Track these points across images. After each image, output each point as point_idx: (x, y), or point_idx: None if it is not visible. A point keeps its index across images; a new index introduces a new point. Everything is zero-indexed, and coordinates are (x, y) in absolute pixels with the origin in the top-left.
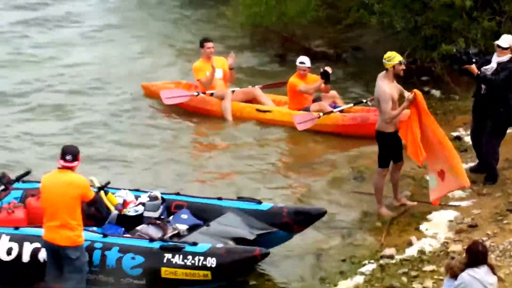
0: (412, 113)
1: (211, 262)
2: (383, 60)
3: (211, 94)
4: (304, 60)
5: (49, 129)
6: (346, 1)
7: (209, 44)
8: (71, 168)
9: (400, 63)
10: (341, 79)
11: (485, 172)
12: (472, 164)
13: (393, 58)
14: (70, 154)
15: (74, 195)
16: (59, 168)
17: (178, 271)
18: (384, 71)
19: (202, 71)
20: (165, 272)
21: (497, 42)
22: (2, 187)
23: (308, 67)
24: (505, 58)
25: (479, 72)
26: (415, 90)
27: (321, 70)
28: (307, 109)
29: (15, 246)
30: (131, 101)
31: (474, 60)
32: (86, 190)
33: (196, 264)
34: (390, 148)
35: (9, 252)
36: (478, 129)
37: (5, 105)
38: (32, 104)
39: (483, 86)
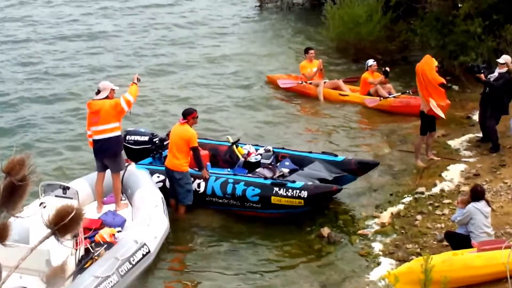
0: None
1: (304, 194)
2: None
3: (310, 83)
4: (374, 60)
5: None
6: (399, 26)
7: (311, 51)
8: (185, 123)
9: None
10: (394, 77)
11: (489, 142)
12: (477, 135)
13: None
14: (182, 115)
15: (183, 139)
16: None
17: (282, 199)
18: None
19: (305, 68)
20: (274, 199)
21: (498, 60)
22: (169, 140)
23: (376, 65)
24: (503, 70)
25: (485, 79)
26: None
27: (383, 69)
28: (369, 93)
29: None
30: (259, 85)
31: (482, 71)
32: (191, 139)
33: (294, 195)
34: (428, 122)
35: None
36: (483, 114)
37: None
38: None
39: (487, 88)
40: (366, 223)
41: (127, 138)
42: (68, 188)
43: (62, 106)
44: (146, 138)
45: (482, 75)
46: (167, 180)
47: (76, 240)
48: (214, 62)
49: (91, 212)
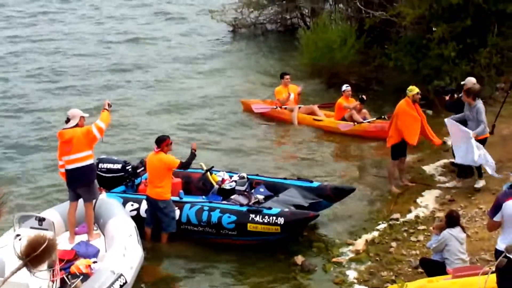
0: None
1: (280, 220)
2: (407, 91)
3: (285, 108)
4: (348, 85)
5: (181, 126)
6: (373, 50)
7: (287, 76)
8: (159, 152)
9: (418, 93)
10: (368, 101)
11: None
12: (452, 160)
13: (413, 89)
14: (155, 143)
15: (162, 168)
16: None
17: (258, 226)
18: (406, 97)
19: (281, 93)
20: (250, 226)
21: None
22: (142, 168)
23: (350, 90)
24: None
25: (446, 101)
26: None
27: (359, 96)
28: (344, 119)
29: None
30: (233, 111)
31: (444, 92)
32: (170, 163)
33: (271, 221)
34: (400, 147)
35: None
36: None
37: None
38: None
39: None
40: (340, 250)
41: (99, 166)
42: (44, 219)
43: (32, 134)
44: (119, 166)
45: (446, 97)
46: (141, 208)
47: (53, 271)
48: (187, 88)
49: (63, 243)
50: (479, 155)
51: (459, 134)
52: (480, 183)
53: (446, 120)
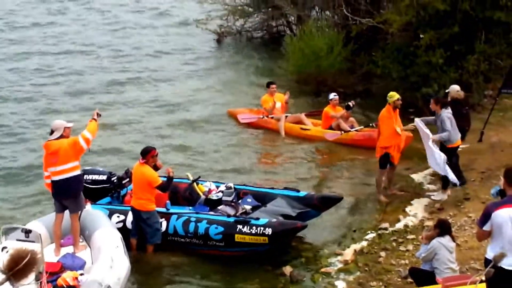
0: None
1: (268, 231)
2: (387, 97)
3: (272, 117)
4: (336, 94)
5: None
6: (361, 58)
7: (273, 85)
8: (144, 163)
9: (398, 99)
10: (355, 109)
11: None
12: None
13: (394, 96)
14: (141, 154)
15: (144, 181)
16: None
17: (246, 237)
18: (387, 104)
19: (267, 102)
20: (237, 237)
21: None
22: (128, 179)
23: (337, 99)
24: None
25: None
26: None
27: (346, 103)
28: (331, 127)
29: None
30: (219, 120)
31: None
32: (151, 180)
33: (258, 232)
34: (388, 156)
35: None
36: None
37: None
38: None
39: None
40: (329, 260)
41: (85, 178)
42: (30, 231)
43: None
44: (104, 177)
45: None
46: (127, 220)
47: (40, 283)
48: (173, 98)
49: (49, 255)
50: (438, 159)
51: (422, 134)
52: (439, 196)
53: (415, 120)
